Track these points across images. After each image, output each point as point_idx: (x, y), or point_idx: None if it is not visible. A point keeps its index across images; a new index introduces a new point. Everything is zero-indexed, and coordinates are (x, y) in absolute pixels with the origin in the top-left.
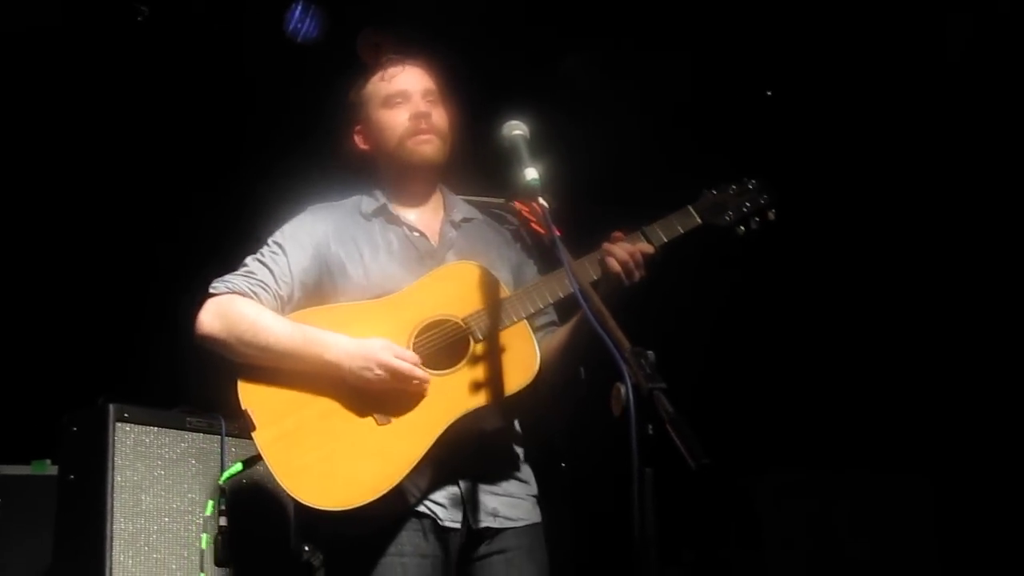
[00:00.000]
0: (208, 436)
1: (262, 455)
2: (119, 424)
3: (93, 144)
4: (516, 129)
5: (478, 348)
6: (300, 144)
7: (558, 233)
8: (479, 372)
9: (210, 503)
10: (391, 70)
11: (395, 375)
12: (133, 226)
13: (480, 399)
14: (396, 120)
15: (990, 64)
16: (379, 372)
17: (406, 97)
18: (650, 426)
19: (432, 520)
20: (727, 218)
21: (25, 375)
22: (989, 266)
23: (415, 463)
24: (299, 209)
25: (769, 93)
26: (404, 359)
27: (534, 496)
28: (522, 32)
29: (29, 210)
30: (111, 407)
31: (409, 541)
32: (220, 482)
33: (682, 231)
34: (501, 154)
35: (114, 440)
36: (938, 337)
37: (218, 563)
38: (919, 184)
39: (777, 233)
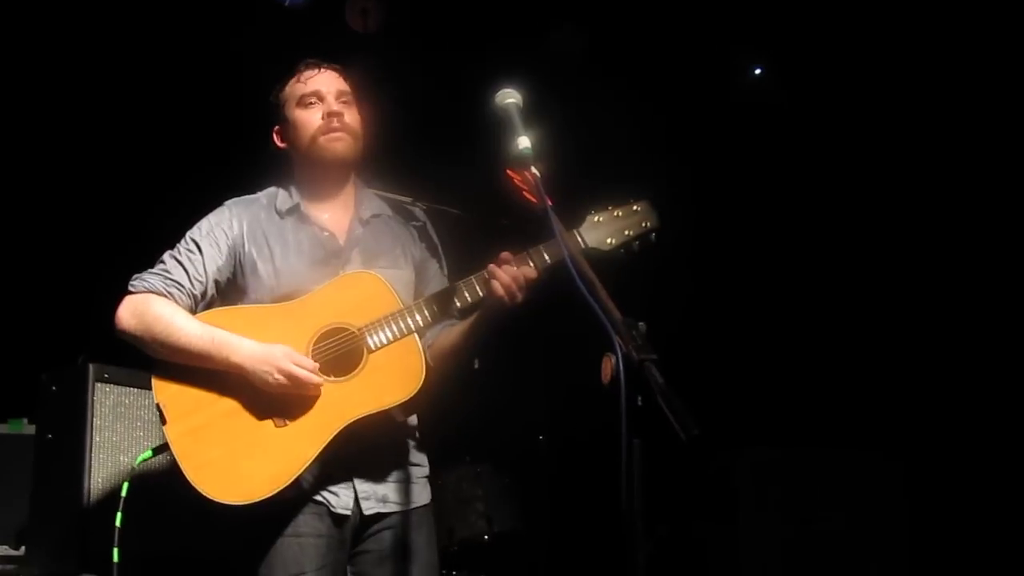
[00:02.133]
0: None
1: (171, 448)
2: (99, 384)
3: (75, 112)
4: (509, 98)
5: (371, 358)
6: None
7: (550, 203)
8: (370, 381)
9: (125, 485)
10: (307, 72)
11: (293, 381)
12: (116, 184)
13: (369, 407)
14: (310, 119)
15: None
16: (279, 377)
17: (320, 97)
18: (639, 397)
19: (326, 506)
20: (609, 243)
21: (3, 333)
22: (963, 250)
23: (308, 463)
24: (216, 203)
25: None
26: (302, 366)
27: (425, 477)
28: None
29: (10, 172)
30: (91, 367)
31: (306, 523)
32: (134, 465)
33: (567, 254)
34: (493, 122)
35: (93, 400)
36: (912, 322)
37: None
38: (900, 170)
39: (757, 217)
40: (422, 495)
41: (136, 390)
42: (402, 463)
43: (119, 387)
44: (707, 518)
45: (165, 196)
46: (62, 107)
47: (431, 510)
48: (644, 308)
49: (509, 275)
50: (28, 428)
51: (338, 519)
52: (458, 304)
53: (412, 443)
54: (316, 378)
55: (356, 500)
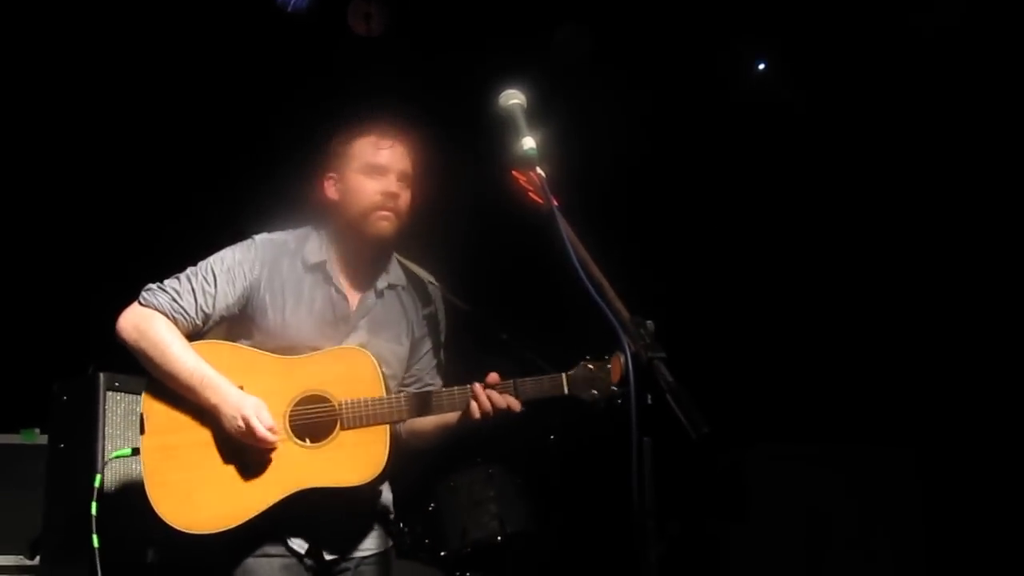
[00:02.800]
0: None
1: (141, 457)
2: (110, 393)
3: (87, 114)
4: (513, 99)
5: (341, 434)
6: (289, 120)
7: (555, 203)
8: (333, 456)
9: (98, 477)
10: (382, 142)
11: (249, 431)
12: (127, 194)
13: (323, 481)
14: (369, 190)
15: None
16: (240, 424)
17: (383, 172)
18: (649, 395)
19: (286, 545)
20: (591, 395)
21: (15, 343)
22: (974, 244)
23: (255, 515)
24: (245, 235)
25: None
26: (262, 421)
27: (385, 524)
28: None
29: (22, 180)
30: (102, 376)
31: (274, 548)
32: (109, 458)
33: (547, 396)
34: (498, 124)
35: (104, 409)
36: (923, 316)
37: None
38: (906, 164)
39: (765, 213)
40: (382, 541)
41: None
42: (362, 522)
43: (130, 395)
44: (719, 515)
45: (176, 206)
46: (71, 117)
47: (390, 555)
48: (652, 306)
49: (492, 401)
50: (40, 438)
51: (297, 556)
52: (436, 412)
53: (374, 501)
54: (271, 436)
55: (313, 546)
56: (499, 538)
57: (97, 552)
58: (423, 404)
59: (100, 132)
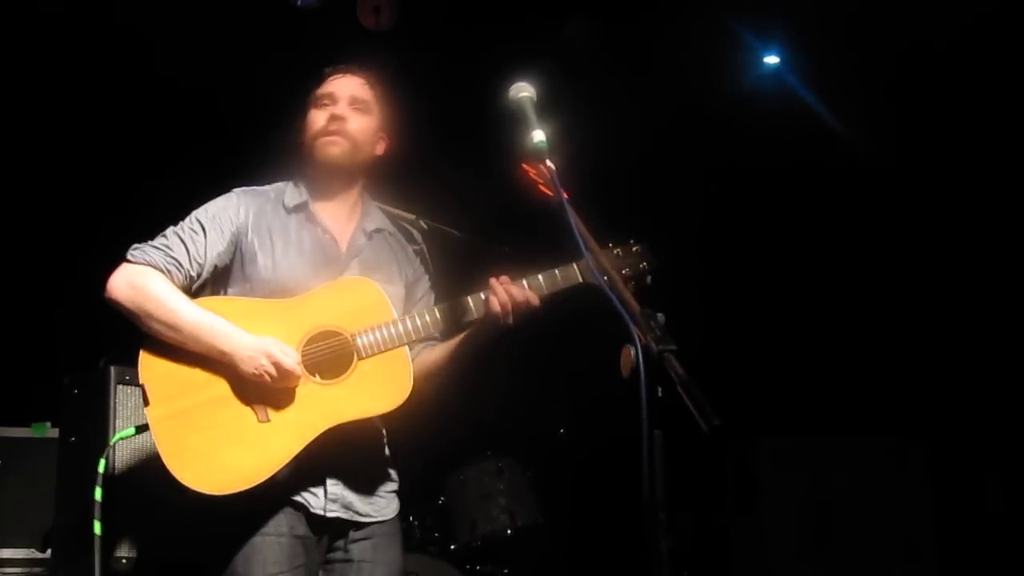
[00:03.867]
0: None
1: (151, 431)
2: (120, 386)
3: (92, 104)
4: (523, 91)
5: (360, 364)
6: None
7: (565, 196)
8: (356, 388)
9: (101, 461)
10: (332, 75)
11: (277, 368)
12: (135, 188)
13: (352, 413)
14: (316, 119)
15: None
16: (264, 363)
17: (333, 100)
18: (660, 388)
19: (305, 508)
20: (604, 280)
21: (26, 337)
22: (982, 238)
23: (286, 461)
24: (225, 189)
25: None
26: (288, 355)
27: (394, 492)
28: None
29: (31, 174)
30: (113, 369)
31: (285, 522)
32: (111, 442)
33: (563, 286)
34: (508, 116)
35: (115, 402)
36: (935, 308)
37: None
38: (913, 160)
39: (771, 206)
40: (389, 507)
41: None
42: (375, 475)
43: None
44: (729, 508)
45: (186, 200)
46: (78, 108)
47: (398, 525)
48: (662, 299)
49: (509, 295)
50: (52, 431)
51: (315, 521)
52: (452, 320)
53: (386, 455)
54: (299, 370)
55: (326, 506)
56: (509, 531)
57: (99, 540)
58: (438, 318)
59: (107, 131)
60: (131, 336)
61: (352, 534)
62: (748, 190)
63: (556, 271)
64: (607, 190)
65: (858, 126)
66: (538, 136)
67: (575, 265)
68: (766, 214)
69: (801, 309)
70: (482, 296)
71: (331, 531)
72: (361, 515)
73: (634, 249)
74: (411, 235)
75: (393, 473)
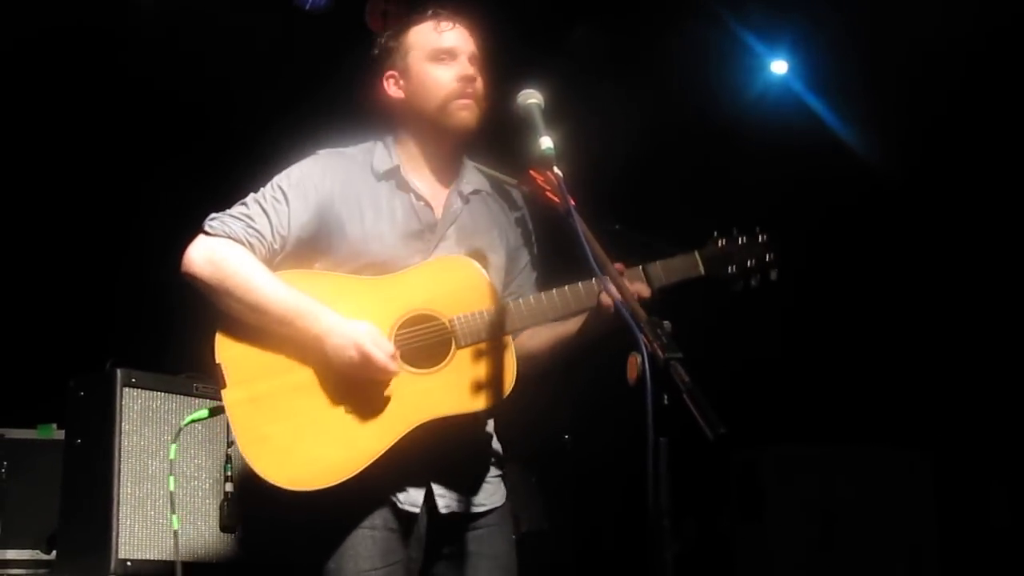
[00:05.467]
0: (215, 402)
1: (228, 414)
2: (126, 389)
3: (100, 106)
4: (531, 98)
5: (459, 354)
6: (298, 104)
7: (572, 203)
8: (455, 380)
9: (172, 447)
10: (443, 24)
11: (368, 362)
12: (142, 190)
13: (450, 408)
14: (443, 78)
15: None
16: (353, 354)
17: (453, 55)
18: (665, 396)
19: (395, 503)
20: (729, 271)
21: (32, 339)
22: (990, 248)
23: (376, 458)
24: (308, 152)
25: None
26: (381, 348)
27: (499, 476)
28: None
29: (36, 174)
30: (118, 372)
31: (379, 515)
32: (182, 425)
33: (683, 278)
34: (516, 123)
35: (121, 405)
36: (940, 318)
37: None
38: (917, 163)
39: (782, 212)
40: (496, 495)
41: (163, 394)
42: (477, 461)
43: (147, 391)
44: (734, 516)
45: (193, 202)
46: (83, 110)
47: (507, 513)
48: (669, 307)
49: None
50: (57, 433)
51: (407, 517)
52: (561, 310)
53: (490, 439)
54: (393, 365)
55: (427, 498)
56: (513, 537)
57: (177, 534)
58: (546, 307)
59: (115, 133)
60: (137, 339)
61: (455, 529)
62: (752, 197)
63: (675, 259)
64: (612, 198)
65: (867, 134)
66: (546, 143)
67: (697, 254)
68: (769, 221)
69: (807, 318)
70: (594, 286)
71: (430, 526)
72: (473, 505)
73: (761, 239)
74: (512, 199)
75: (498, 457)
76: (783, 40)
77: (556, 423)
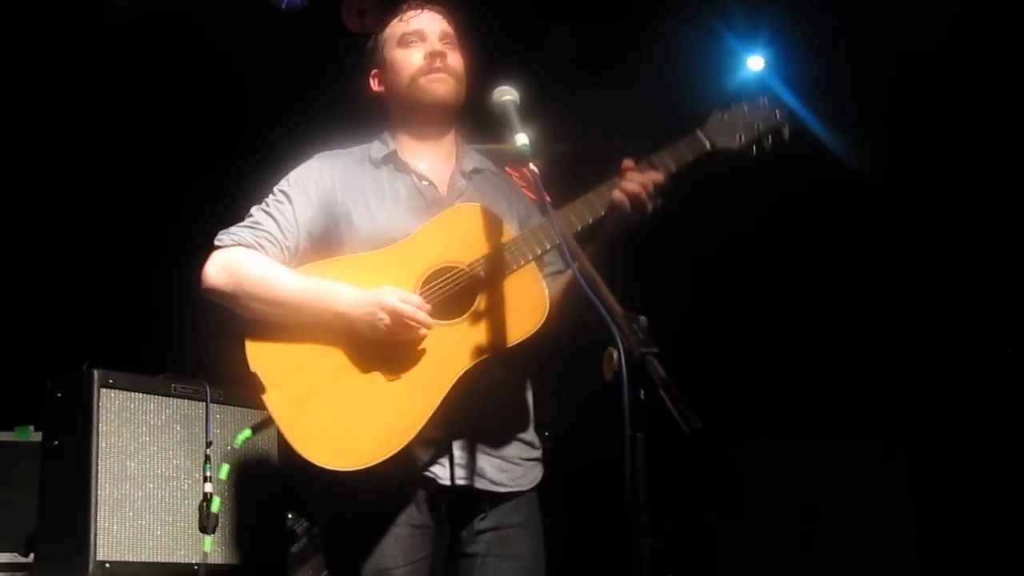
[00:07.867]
0: (193, 402)
1: (273, 418)
2: (104, 390)
3: (76, 107)
4: (506, 95)
5: (485, 296)
6: (279, 113)
7: (549, 199)
8: (488, 319)
9: (224, 467)
10: (410, 12)
11: (398, 318)
12: (119, 190)
13: (489, 348)
14: (410, 59)
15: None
16: (383, 316)
17: (422, 37)
18: (642, 391)
19: (427, 486)
20: (739, 140)
21: (8, 340)
22: (968, 237)
23: (428, 417)
24: (305, 156)
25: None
26: (408, 302)
27: (535, 459)
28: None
29: (13, 175)
30: (96, 373)
31: (405, 512)
32: (236, 445)
33: (692, 158)
34: (492, 120)
35: (99, 406)
36: (916, 309)
37: (203, 529)
38: (898, 158)
39: (762, 207)
40: (527, 477)
41: (141, 395)
42: (510, 435)
43: (124, 392)
44: (713, 510)
45: (168, 202)
46: (62, 111)
47: (536, 506)
48: (644, 301)
49: (637, 182)
50: (34, 435)
51: (435, 502)
52: (577, 225)
53: (527, 413)
54: (422, 314)
55: (452, 472)
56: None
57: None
58: (563, 220)
59: (92, 132)
60: (114, 339)
61: (478, 523)
62: (730, 194)
63: (681, 143)
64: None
65: (844, 131)
66: (521, 139)
67: (698, 132)
68: (748, 216)
69: (786, 312)
70: (604, 189)
71: (455, 513)
72: (494, 484)
73: (764, 102)
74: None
75: (534, 436)
76: (760, 36)
77: (535, 420)
